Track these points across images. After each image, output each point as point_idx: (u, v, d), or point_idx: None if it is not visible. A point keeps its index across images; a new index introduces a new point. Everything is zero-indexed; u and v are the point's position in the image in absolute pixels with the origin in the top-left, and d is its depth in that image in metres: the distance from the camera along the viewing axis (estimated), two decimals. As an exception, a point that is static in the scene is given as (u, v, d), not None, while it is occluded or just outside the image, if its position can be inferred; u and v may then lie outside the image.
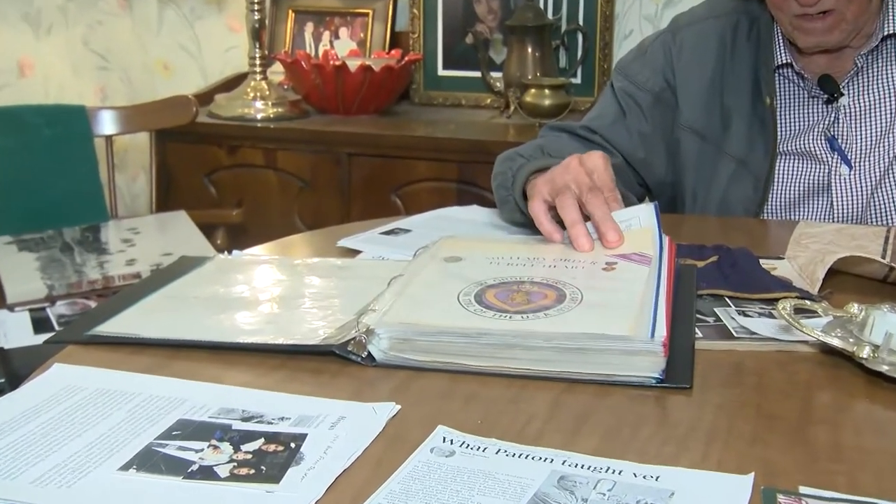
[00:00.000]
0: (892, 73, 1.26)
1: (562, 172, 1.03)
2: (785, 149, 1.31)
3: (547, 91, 2.32)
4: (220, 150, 2.46)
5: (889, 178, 1.26)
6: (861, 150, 1.28)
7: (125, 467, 0.63)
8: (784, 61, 1.30)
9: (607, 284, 0.84)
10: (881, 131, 1.27)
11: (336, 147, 2.35)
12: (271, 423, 0.68)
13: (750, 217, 1.32)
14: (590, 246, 0.93)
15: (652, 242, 0.92)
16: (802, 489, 0.59)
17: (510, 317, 0.78)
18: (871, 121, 1.27)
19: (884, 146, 1.26)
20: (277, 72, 2.64)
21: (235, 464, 0.62)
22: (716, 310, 0.88)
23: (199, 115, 2.26)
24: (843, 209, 1.28)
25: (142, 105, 2.25)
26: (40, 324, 1.69)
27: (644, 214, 0.98)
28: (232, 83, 2.68)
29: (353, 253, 1.11)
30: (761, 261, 1.01)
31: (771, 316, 0.86)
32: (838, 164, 1.28)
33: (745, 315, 0.87)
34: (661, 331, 0.73)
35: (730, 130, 1.33)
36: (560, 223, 0.98)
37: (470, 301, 0.81)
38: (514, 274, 0.88)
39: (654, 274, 0.85)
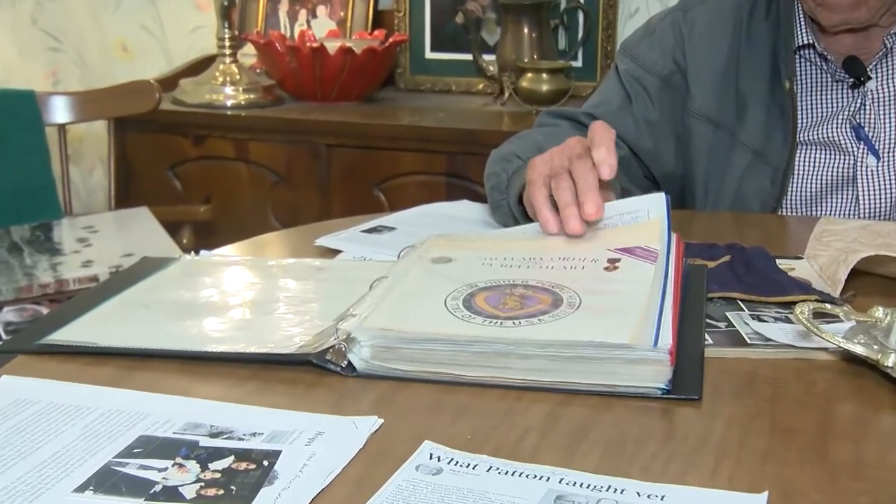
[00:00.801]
0: None
1: (560, 151, 1.04)
2: (806, 138, 1.31)
3: (545, 75, 2.33)
4: (186, 141, 2.46)
5: None
6: (890, 139, 1.29)
7: (81, 489, 0.63)
8: (805, 42, 1.31)
9: (609, 287, 0.85)
10: None
11: (313, 137, 2.35)
12: (242, 440, 0.68)
13: (767, 212, 1.33)
14: (581, 229, 0.95)
15: (660, 236, 0.93)
16: (821, 509, 0.60)
17: (500, 323, 0.79)
18: None
19: None
20: (249, 54, 2.65)
21: (203, 484, 0.63)
22: (728, 314, 0.89)
23: (162, 101, 2.26)
24: (869, 204, 1.29)
25: (98, 90, 2.25)
26: (-14, 332, 1.69)
27: (653, 205, 0.99)
28: (199, 67, 2.69)
29: (333, 253, 1.12)
30: (778, 261, 1.01)
31: (788, 321, 0.87)
32: (865, 155, 1.29)
33: (760, 320, 0.88)
34: (667, 339, 0.74)
35: (745, 118, 1.34)
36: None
37: (458, 306, 0.82)
38: (508, 276, 0.89)
39: (660, 274, 0.85)
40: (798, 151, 1.32)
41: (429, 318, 0.81)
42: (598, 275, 0.88)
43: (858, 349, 0.77)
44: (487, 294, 0.85)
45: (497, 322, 0.79)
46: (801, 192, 1.32)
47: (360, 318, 0.81)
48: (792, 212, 1.33)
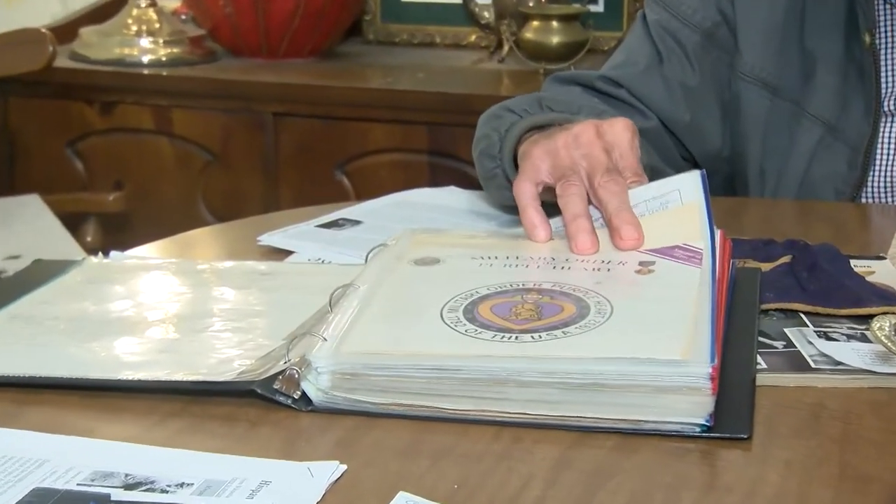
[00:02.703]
0: None
1: (570, 144, 1.04)
2: (893, 107, 1.33)
3: (555, 23, 2.34)
4: (90, 108, 2.47)
5: None
6: None
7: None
8: (891, -18, 1.32)
9: (646, 291, 0.86)
10: None
11: (257, 104, 2.36)
12: (166, 492, 0.69)
13: (842, 201, 1.34)
14: (592, 247, 0.94)
15: (701, 228, 0.94)
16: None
17: (516, 337, 0.80)
18: None
19: None
20: (171, -5, 2.66)
21: (116, 549, 0.64)
22: (787, 331, 0.90)
23: (56, 57, 2.27)
24: (973, 191, 1.30)
25: (-29, 43, 2.24)
26: None
27: (686, 186, 0.99)
28: (105, 11, 2.68)
29: (282, 254, 1.13)
30: (853, 262, 1.02)
31: (864, 339, 0.88)
32: (969, 130, 1.31)
33: (828, 338, 0.89)
34: (710, 356, 0.75)
35: (813, 82, 1.35)
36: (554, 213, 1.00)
37: (458, 319, 0.83)
38: (516, 279, 0.90)
39: (707, 278, 0.87)
40: (883, 125, 1.32)
41: (424, 335, 0.82)
42: (629, 278, 0.89)
43: (953, 376, 0.79)
44: (493, 302, 0.86)
45: (511, 337, 0.80)
46: (885, 175, 1.33)
47: (331, 342, 0.81)
48: (873, 200, 1.34)
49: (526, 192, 1.02)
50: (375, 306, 0.87)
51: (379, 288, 0.90)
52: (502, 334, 0.80)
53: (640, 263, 0.91)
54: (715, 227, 0.95)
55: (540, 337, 0.80)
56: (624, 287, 0.88)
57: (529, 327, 0.81)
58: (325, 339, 0.82)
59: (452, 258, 0.96)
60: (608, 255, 0.94)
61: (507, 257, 0.95)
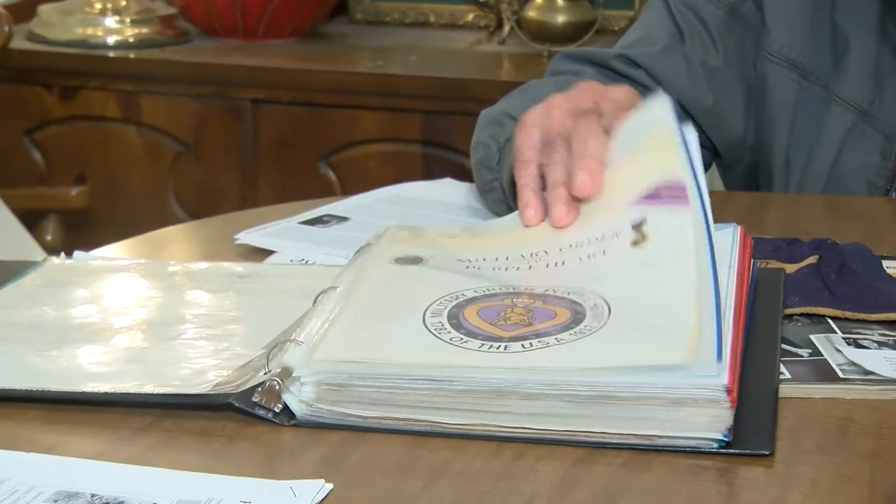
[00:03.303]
0: None
1: (564, 102, 1.04)
2: (932, 92, 1.33)
3: (560, 2, 2.34)
4: (49, 94, 2.46)
5: None
6: None
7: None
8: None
9: (642, 275, 0.86)
10: None
11: (233, 89, 2.36)
12: (136, 514, 0.69)
13: (874, 195, 1.34)
14: (567, 218, 0.94)
15: (680, 158, 0.92)
16: None
17: (504, 346, 0.80)
18: None
19: None
20: (139, -31, 2.66)
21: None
22: (813, 337, 0.90)
23: (12, 37, 2.26)
24: None
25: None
26: None
27: (652, 114, 0.97)
28: (66, -13, 2.69)
29: (261, 254, 1.13)
30: (885, 263, 1.03)
31: (897, 347, 0.89)
32: None
33: (858, 345, 0.89)
34: (724, 363, 0.75)
35: (845, 63, 1.35)
36: None
37: (443, 325, 0.83)
38: (505, 281, 0.90)
39: (698, 218, 0.86)
40: (921, 111, 1.34)
41: (403, 342, 0.82)
42: (626, 260, 0.89)
43: None
44: (481, 306, 0.86)
45: (499, 346, 0.80)
46: (924, 167, 1.34)
47: (305, 346, 0.82)
48: (910, 194, 1.35)
49: (525, 171, 1.01)
50: (352, 309, 0.87)
51: (356, 289, 0.91)
52: (490, 343, 0.80)
53: (633, 228, 0.90)
54: (735, 226, 0.96)
55: (530, 346, 0.80)
56: (620, 278, 0.87)
57: (519, 334, 0.81)
58: (295, 342, 0.82)
59: (436, 257, 0.96)
60: (601, 226, 0.93)
61: (497, 258, 0.95)
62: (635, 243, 0.90)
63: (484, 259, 0.95)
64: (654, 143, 0.95)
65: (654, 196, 0.91)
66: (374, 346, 0.82)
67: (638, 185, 0.92)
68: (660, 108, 0.97)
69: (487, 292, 0.88)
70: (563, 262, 0.92)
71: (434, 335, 0.82)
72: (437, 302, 0.87)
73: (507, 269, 0.94)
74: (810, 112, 1.37)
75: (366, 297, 0.90)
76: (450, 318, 0.84)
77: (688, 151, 0.92)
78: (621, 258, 0.90)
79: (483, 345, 0.81)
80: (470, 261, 0.95)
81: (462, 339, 0.82)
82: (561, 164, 0.98)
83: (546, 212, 0.97)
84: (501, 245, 0.97)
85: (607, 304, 0.84)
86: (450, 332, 0.82)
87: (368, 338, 0.84)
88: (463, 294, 0.88)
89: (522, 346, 0.80)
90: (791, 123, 1.38)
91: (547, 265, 0.93)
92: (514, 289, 0.89)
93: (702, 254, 0.86)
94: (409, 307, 0.86)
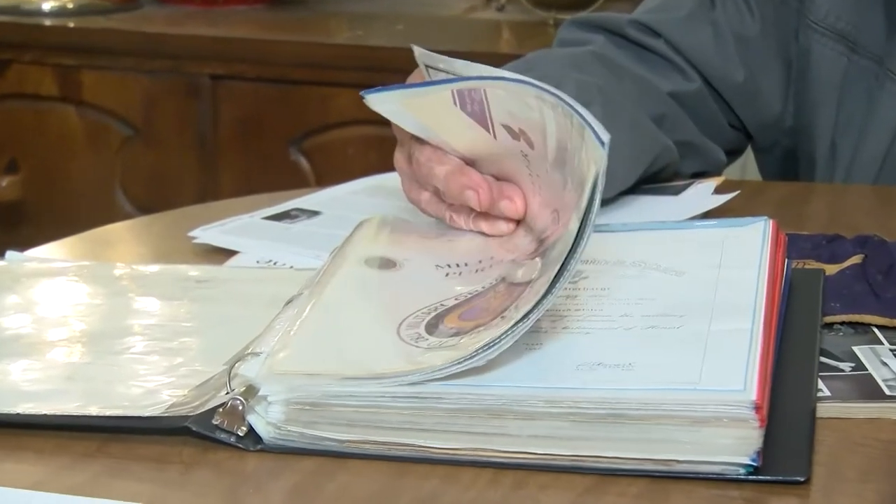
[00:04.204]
0: None
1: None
2: None
3: (569, -38, 2.35)
4: (-23, 70, 2.47)
5: None
6: None
7: None
8: None
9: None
10: None
11: (189, 64, 2.35)
12: (80, 552, 0.70)
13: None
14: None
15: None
16: None
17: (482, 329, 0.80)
18: None
19: None
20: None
21: None
22: (856, 349, 0.90)
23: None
24: None
25: None
26: None
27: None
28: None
29: (222, 254, 1.13)
30: (941, 263, 1.03)
31: (954, 360, 0.89)
32: None
33: (909, 358, 0.90)
34: (751, 379, 0.75)
35: (900, 35, 1.37)
36: None
37: (420, 335, 0.84)
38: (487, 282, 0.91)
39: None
40: None
41: (374, 354, 0.82)
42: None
43: None
44: (462, 310, 0.87)
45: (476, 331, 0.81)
46: None
47: (268, 359, 0.82)
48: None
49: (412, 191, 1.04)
50: (315, 316, 0.87)
51: (321, 293, 0.91)
52: (460, 336, 0.81)
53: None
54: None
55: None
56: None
57: (502, 312, 0.81)
58: (258, 354, 0.82)
59: (412, 262, 0.96)
60: None
61: (480, 260, 0.95)
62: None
63: (466, 264, 0.95)
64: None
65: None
66: (340, 358, 0.82)
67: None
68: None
69: (469, 296, 0.89)
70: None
71: (410, 344, 0.82)
72: (414, 315, 0.87)
73: (491, 267, 0.94)
74: (860, 91, 1.38)
75: (332, 304, 0.90)
76: (428, 328, 0.85)
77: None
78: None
79: (462, 338, 0.81)
80: (449, 266, 0.96)
81: (441, 342, 0.82)
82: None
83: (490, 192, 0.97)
84: (485, 248, 0.98)
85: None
86: (427, 340, 0.83)
87: (334, 349, 0.84)
88: (443, 304, 0.88)
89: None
90: (838, 103, 1.39)
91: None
92: (493, 283, 0.89)
93: None
94: (380, 321, 0.87)
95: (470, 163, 0.99)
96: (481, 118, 0.94)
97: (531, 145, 0.91)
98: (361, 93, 0.97)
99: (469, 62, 0.95)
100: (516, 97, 0.89)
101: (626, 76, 1.31)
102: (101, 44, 2.40)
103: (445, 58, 0.98)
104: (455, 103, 0.94)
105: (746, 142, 1.45)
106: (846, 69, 1.38)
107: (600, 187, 0.79)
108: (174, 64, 2.36)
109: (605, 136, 0.79)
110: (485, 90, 0.91)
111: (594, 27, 1.41)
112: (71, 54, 2.42)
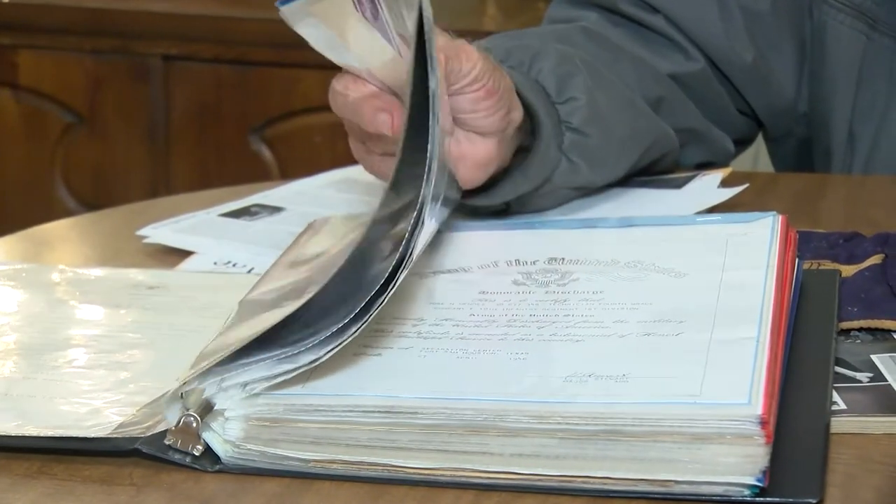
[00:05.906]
0: None
1: None
2: None
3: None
4: None
5: None
6: None
7: None
8: None
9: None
10: None
11: (139, 43, 2.35)
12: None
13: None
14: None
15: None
16: None
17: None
18: None
19: None
20: None
21: None
22: (875, 358, 0.90)
23: None
24: None
25: None
26: None
27: None
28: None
29: (175, 255, 1.12)
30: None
31: (983, 370, 0.89)
32: None
33: (931, 369, 0.89)
34: (757, 389, 0.75)
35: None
36: None
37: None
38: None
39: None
40: None
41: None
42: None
43: None
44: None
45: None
46: None
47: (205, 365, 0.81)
48: None
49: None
50: (252, 322, 0.86)
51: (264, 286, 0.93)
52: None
53: None
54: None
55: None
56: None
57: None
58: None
59: (321, 258, 0.97)
60: None
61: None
62: None
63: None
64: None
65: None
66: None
67: None
68: None
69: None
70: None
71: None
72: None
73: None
74: (881, 74, 1.38)
75: (272, 298, 0.90)
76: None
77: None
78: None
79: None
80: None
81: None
82: None
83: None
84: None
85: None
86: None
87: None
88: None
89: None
90: (856, 87, 1.39)
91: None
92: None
93: None
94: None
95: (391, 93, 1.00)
96: (381, 27, 0.94)
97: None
98: (276, 3, 1.00)
99: None
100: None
101: (621, 55, 1.29)
102: (38, 21, 2.39)
103: None
104: (356, 7, 0.94)
105: (757, 129, 1.46)
106: (865, 49, 1.39)
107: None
108: (121, 43, 2.36)
109: None
110: None
111: (586, 3, 1.41)
112: (5, 32, 2.41)
